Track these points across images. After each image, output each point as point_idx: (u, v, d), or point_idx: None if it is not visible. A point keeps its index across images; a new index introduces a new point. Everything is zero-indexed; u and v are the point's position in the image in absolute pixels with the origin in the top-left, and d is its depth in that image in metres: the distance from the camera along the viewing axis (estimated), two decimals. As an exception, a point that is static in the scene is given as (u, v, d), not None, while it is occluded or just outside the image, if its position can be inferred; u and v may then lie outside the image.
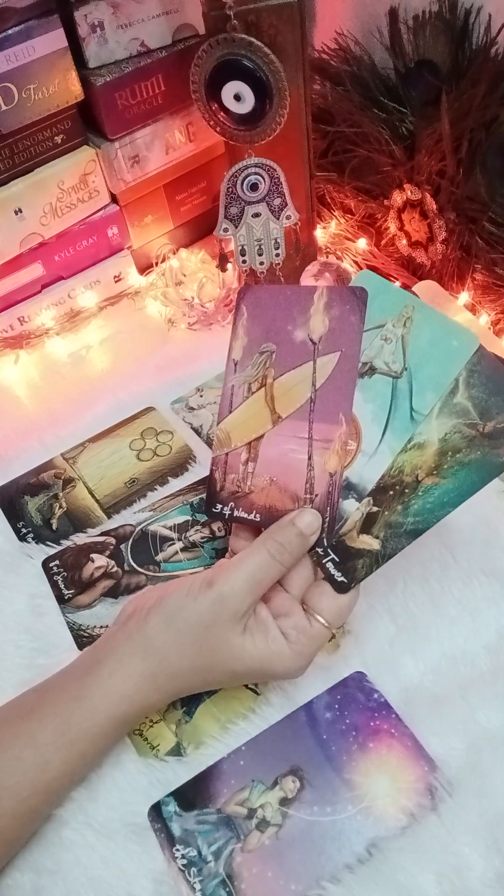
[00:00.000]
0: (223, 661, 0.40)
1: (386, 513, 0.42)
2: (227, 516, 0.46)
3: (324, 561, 0.43)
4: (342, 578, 0.42)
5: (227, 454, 0.46)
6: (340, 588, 0.42)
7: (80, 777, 0.42)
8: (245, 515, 0.45)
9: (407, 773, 0.41)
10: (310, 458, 0.44)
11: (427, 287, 0.69)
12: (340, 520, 0.43)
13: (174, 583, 0.43)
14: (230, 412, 0.47)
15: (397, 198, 0.69)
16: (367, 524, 0.43)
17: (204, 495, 0.56)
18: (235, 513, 0.45)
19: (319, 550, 0.43)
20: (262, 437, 0.46)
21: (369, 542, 0.43)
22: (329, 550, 0.43)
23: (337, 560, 0.43)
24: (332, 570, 0.43)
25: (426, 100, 0.64)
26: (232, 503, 0.46)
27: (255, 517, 0.45)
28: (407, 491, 0.42)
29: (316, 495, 0.43)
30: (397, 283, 0.45)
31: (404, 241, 0.71)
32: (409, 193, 0.67)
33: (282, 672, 0.41)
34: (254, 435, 0.46)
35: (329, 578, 0.43)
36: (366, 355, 0.44)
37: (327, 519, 0.43)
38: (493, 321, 0.65)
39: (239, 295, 0.48)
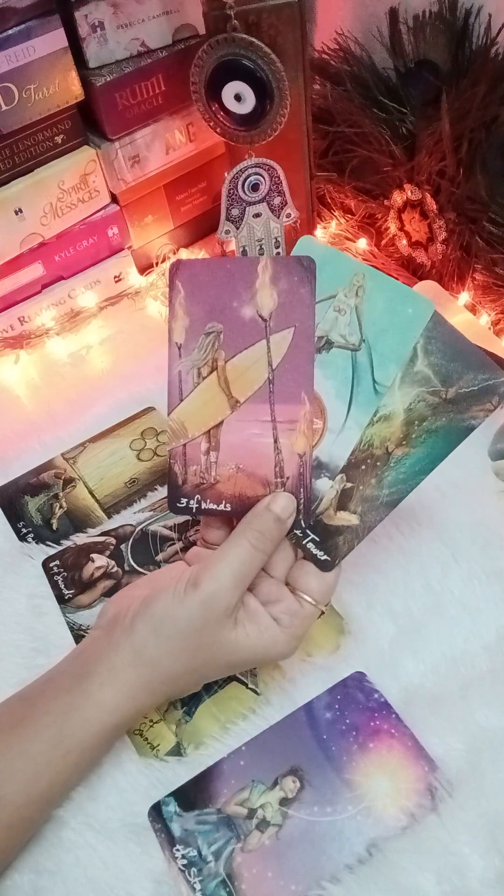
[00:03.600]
0: (218, 657, 0.40)
1: (361, 487, 0.42)
2: (194, 510, 0.44)
3: (304, 542, 0.43)
4: (325, 557, 0.42)
5: (184, 445, 0.44)
6: (324, 566, 0.42)
7: (75, 784, 0.41)
8: (214, 506, 0.44)
9: (407, 773, 0.41)
10: (276, 441, 0.43)
11: (427, 287, 0.69)
12: (315, 500, 0.43)
13: (155, 582, 0.42)
14: (181, 400, 0.44)
15: (397, 198, 0.69)
16: (343, 501, 0.43)
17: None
18: (203, 505, 0.44)
19: (298, 532, 0.43)
20: (220, 424, 0.44)
21: (348, 518, 0.43)
22: (308, 531, 0.43)
23: (318, 540, 0.43)
24: (315, 550, 0.43)
25: (426, 100, 0.64)
26: (198, 495, 0.44)
27: (224, 507, 0.43)
28: (379, 464, 0.42)
29: (287, 478, 0.42)
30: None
31: (404, 241, 0.71)
32: (409, 193, 0.67)
33: (277, 655, 0.41)
34: (211, 423, 0.44)
35: (312, 558, 0.43)
36: (320, 329, 0.43)
37: (302, 500, 0.42)
38: (494, 321, 0.65)
39: (171, 270, 0.44)
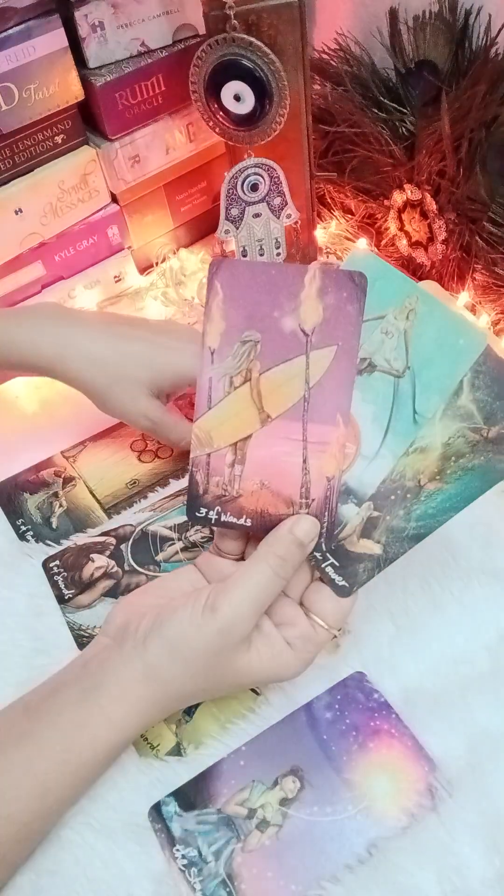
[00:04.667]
0: (229, 678, 0.39)
1: (387, 518, 0.41)
2: (213, 521, 0.43)
3: (323, 565, 0.42)
4: (343, 583, 0.41)
5: (208, 455, 0.42)
6: (342, 592, 0.41)
7: (81, 796, 0.41)
8: (234, 520, 0.42)
9: (407, 773, 0.41)
10: (305, 461, 0.41)
11: (427, 287, 0.69)
12: (339, 524, 0.41)
13: (168, 592, 0.42)
14: (209, 408, 0.42)
15: (397, 198, 0.69)
16: (368, 529, 0.41)
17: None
18: (223, 517, 0.42)
19: (318, 555, 0.42)
20: (248, 437, 0.42)
21: (370, 547, 0.41)
22: (328, 555, 0.42)
23: (337, 564, 0.42)
24: (333, 575, 0.42)
25: (426, 100, 0.64)
26: (218, 507, 0.42)
27: (245, 522, 0.42)
28: (409, 496, 0.41)
29: (313, 500, 0.41)
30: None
31: (404, 242, 0.71)
32: (409, 193, 0.67)
33: (285, 677, 0.41)
34: (239, 435, 0.42)
35: (329, 582, 0.42)
36: (364, 350, 0.41)
37: (325, 524, 0.41)
38: (494, 321, 0.65)
39: (211, 269, 0.41)
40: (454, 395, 0.40)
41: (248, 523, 0.42)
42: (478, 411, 0.40)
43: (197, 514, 0.43)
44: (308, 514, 0.41)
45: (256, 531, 0.42)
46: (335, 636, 0.42)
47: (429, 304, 0.40)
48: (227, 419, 0.42)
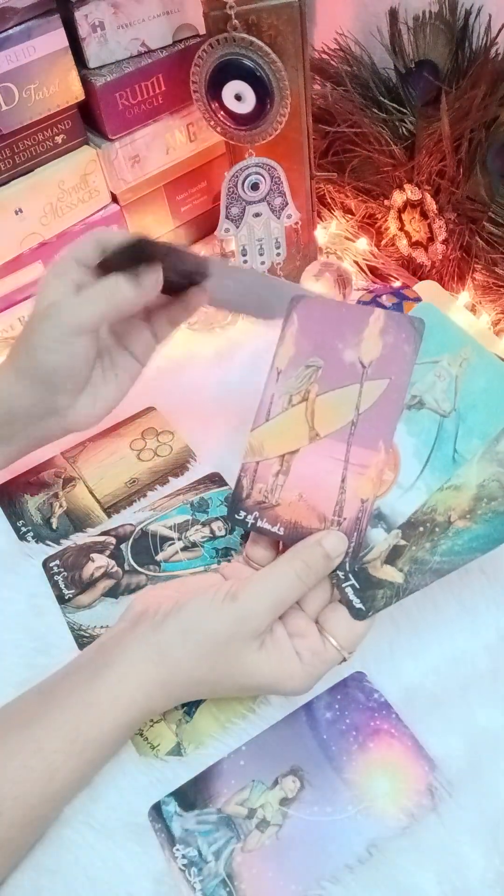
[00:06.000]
0: (235, 675, 0.40)
1: (413, 548, 0.42)
2: (249, 525, 0.45)
3: (343, 585, 0.43)
4: (360, 605, 0.42)
5: (257, 463, 0.46)
6: (357, 615, 0.42)
7: (87, 782, 0.41)
8: (269, 527, 0.44)
9: (407, 773, 0.41)
10: (343, 481, 0.43)
11: (427, 287, 0.69)
12: (366, 547, 0.43)
13: (190, 588, 0.42)
14: (266, 420, 0.46)
15: (397, 198, 0.69)
16: (393, 556, 0.42)
17: (204, 494, 0.56)
18: (259, 523, 0.45)
19: (340, 574, 0.43)
20: (296, 451, 0.45)
21: (392, 574, 0.42)
22: (350, 575, 0.43)
23: (357, 587, 0.42)
24: (351, 596, 0.42)
25: (426, 100, 0.64)
26: (256, 512, 0.45)
27: (278, 530, 0.44)
28: (437, 530, 0.42)
29: (344, 518, 0.43)
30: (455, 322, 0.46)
31: (404, 242, 0.71)
32: (409, 193, 0.67)
33: (289, 690, 0.41)
34: (288, 448, 0.45)
35: (347, 603, 0.42)
36: (416, 388, 0.44)
37: (353, 544, 0.42)
38: (494, 321, 0.65)
39: (291, 302, 0.47)
40: (494, 440, 0.42)
41: (281, 532, 0.44)
42: None
43: (237, 515, 0.46)
44: (338, 531, 0.43)
45: (287, 541, 0.44)
46: (345, 658, 0.42)
47: (483, 357, 0.44)
48: (280, 432, 0.46)
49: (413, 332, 0.44)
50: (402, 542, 0.42)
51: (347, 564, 0.42)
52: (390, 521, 0.43)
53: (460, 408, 0.43)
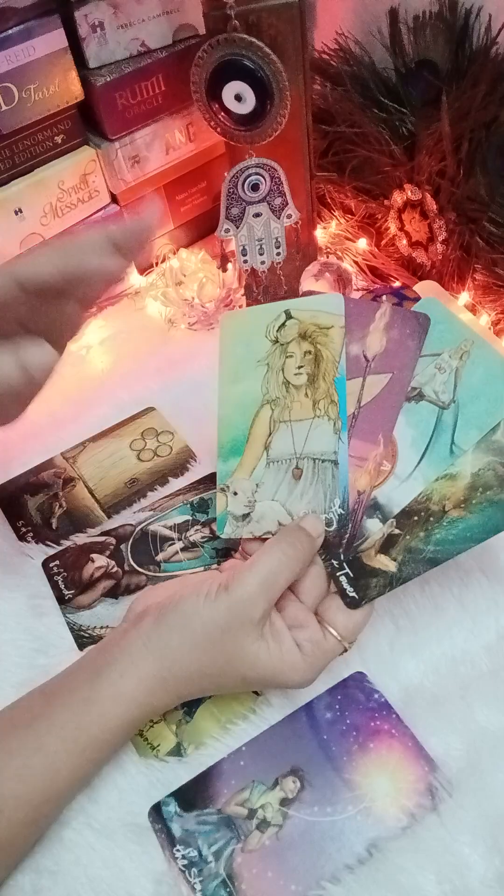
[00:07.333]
0: (235, 666, 0.40)
1: (407, 537, 0.42)
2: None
3: (338, 574, 0.43)
4: (353, 594, 0.42)
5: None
6: (351, 603, 0.42)
7: (89, 781, 0.42)
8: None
9: (407, 773, 0.41)
10: None
11: (427, 287, 0.69)
12: (361, 537, 0.43)
13: (188, 583, 0.43)
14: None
15: (397, 198, 0.69)
16: (387, 545, 0.43)
17: (204, 495, 0.56)
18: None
19: (335, 563, 0.43)
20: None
21: (386, 563, 0.42)
22: (344, 564, 0.43)
23: (351, 575, 0.43)
24: (345, 585, 0.43)
25: (426, 100, 0.64)
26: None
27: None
28: (432, 519, 0.42)
29: (340, 510, 0.43)
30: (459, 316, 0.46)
31: (404, 242, 0.71)
32: (409, 193, 0.67)
33: (291, 682, 0.41)
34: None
35: (341, 592, 0.43)
36: (416, 381, 0.44)
37: (348, 534, 0.43)
38: (494, 321, 0.65)
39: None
40: (491, 431, 0.43)
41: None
42: None
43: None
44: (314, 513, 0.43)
45: None
46: (346, 649, 0.42)
47: (483, 349, 0.44)
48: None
49: (418, 326, 0.45)
50: (397, 532, 0.43)
51: (341, 554, 0.43)
52: (386, 510, 0.43)
53: (460, 399, 0.44)
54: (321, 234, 0.75)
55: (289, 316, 0.47)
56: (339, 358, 0.45)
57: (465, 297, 0.66)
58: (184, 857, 0.39)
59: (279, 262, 0.66)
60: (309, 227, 0.70)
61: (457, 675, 0.45)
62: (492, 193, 0.61)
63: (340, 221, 0.75)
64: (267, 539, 0.44)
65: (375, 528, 0.43)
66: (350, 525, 0.43)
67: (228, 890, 0.38)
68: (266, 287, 0.69)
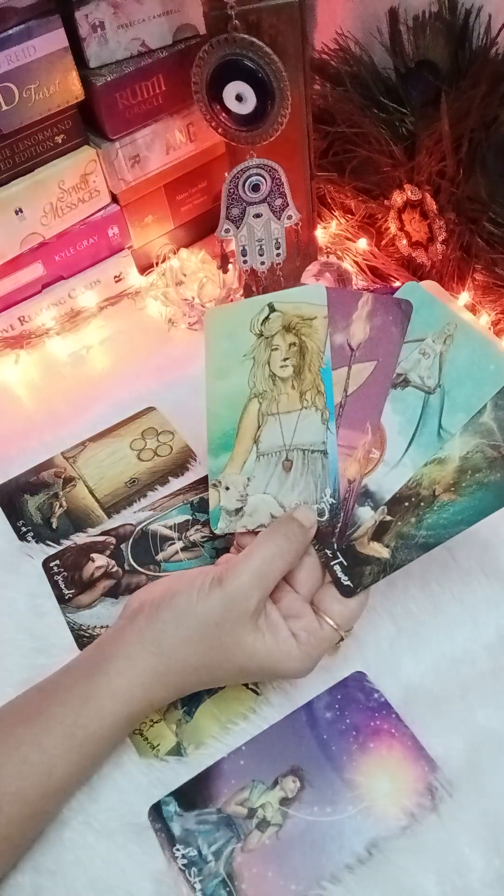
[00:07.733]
0: (232, 658, 0.40)
1: (399, 523, 0.42)
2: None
3: (332, 563, 0.43)
4: (348, 582, 0.42)
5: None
6: (345, 591, 0.42)
7: (87, 777, 0.42)
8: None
9: (407, 773, 0.41)
10: None
11: (427, 287, 0.68)
12: (353, 525, 0.43)
13: (182, 578, 0.43)
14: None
15: (397, 198, 0.69)
16: (379, 532, 0.43)
17: (204, 494, 0.56)
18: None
19: (328, 552, 0.43)
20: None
21: (379, 550, 0.43)
22: (338, 553, 0.43)
23: (345, 564, 0.43)
24: (339, 573, 0.43)
25: (426, 100, 0.64)
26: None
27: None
28: (422, 504, 0.42)
29: (332, 499, 0.43)
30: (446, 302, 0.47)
31: (404, 242, 0.71)
32: (409, 194, 0.67)
33: (289, 672, 0.41)
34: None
35: (335, 581, 0.43)
36: (401, 367, 0.44)
37: (339, 524, 0.43)
38: (494, 321, 0.65)
39: None
40: (478, 413, 0.43)
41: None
42: (498, 429, 0.42)
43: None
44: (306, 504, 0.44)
45: None
46: (342, 638, 0.42)
47: (466, 332, 0.44)
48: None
49: (400, 313, 0.44)
50: (388, 518, 0.43)
51: (335, 543, 0.43)
52: (377, 498, 0.43)
53: (445, 384, 0.44)
54: (321, 234, 0.75)
55: (272, 309, 0.47)
56: (324, 348, 0.45)
57: (465, 297, 0.66)
58: (184, 856, 0.39)
59: (279, 263, 0.66)
60: (309, 227, 0.70)
61: (457, 674, 0.45)
62: (492, 193, 0.61)
63: (340, 221, 0.75)
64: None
65: (367, 516, 0.43)
66: (342, 514, 0.43)
67: (228, 889, 0.38)
68: (266, 287, 0.69)
